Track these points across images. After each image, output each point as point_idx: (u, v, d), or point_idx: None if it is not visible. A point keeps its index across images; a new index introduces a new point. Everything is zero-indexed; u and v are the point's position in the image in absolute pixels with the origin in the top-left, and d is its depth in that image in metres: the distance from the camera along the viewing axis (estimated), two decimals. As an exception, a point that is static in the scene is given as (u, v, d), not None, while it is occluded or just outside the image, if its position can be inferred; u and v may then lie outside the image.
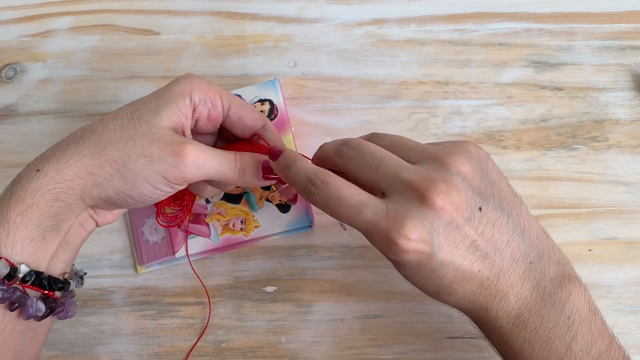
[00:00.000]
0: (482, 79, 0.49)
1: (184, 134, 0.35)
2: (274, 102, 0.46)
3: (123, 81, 0.49)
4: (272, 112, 0.46)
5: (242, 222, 0.44)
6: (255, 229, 0.44)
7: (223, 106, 0.36)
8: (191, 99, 0.34)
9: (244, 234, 0.44)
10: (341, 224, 0.45)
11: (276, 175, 0.35)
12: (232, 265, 0.44)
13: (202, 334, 0.43)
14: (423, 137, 0.46)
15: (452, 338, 0.42)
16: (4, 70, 0.50)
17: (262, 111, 0.46)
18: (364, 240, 0.45)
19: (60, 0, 0.52)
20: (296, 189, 0.34)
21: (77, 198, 0.32)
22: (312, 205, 0.44)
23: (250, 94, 0.46)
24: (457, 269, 0.30)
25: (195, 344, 0.42)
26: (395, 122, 0.48)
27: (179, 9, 0.52)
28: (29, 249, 0.31)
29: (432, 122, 0.48)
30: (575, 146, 0.47)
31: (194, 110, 0.35)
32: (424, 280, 0.31)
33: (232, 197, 0.44)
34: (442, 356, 0.42)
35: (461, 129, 0.48)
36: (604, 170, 0.46)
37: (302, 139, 0.47)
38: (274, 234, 0.44)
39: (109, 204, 0.34)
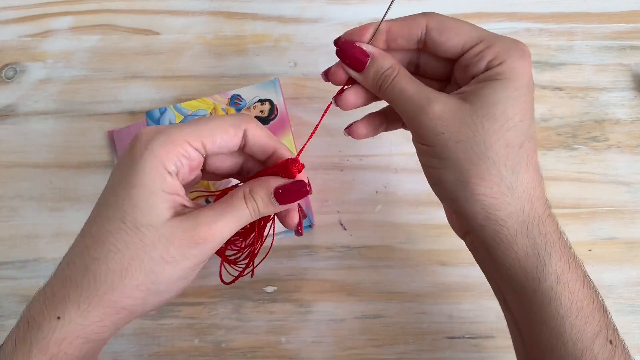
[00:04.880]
0: (482, 79, 0.49)
1: (185, 206, 0.31)
2: (274, 102, 0.46)
3: (123, 81, 0.49)
4: (272, 112, 0.46)
5: (242, 222, 0.44)
6: (255, 229, 0.44)
7: (198, 149, 0.31)
8: (169, 172, 0.29)
9: (244, 234, 0.44)
10: (341, 224, 0.45)
11: (290, 200, 0.32)
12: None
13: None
14: (423, 137, 0.46)
15: (452, 338, 0.42)
16: (4, 70, 0.50)
17: (262, 111, 0.46)
18: (364, 240, 0.45)
19: (60, 0, 0.52)
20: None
21: (110, 330, 0.30)
22: (311, 205, 0.44)
23: (250, 94, 0.46)
24: None
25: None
26: (395, 122, 0.48)
27: (179, 9, 0.52)
28: None
29: (432, 122, 0.48)
30: (576, 146, 0.47)
31: (178, 176, 0.31)
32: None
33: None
34: (442, 356, 0.42)
35: (461, 129, 0.48)
36: (604, 170, 0.46)
37: (302, 139, 0.46)
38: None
39: (141, 314, 0.31)
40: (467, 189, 0.30)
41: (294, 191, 0.32)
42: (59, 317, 0.28)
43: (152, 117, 0.46)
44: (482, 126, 0.30)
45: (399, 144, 0.47)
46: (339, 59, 0.34)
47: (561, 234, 0.32)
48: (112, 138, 0.47)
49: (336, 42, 0.34)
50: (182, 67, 0.50)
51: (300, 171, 0.32)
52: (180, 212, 0.30)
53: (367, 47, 0.33)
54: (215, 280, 0.44)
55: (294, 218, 0.34)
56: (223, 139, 0.31)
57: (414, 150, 0.33)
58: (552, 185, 0.46)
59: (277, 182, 0.32)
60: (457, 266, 0.43)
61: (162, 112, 0.46)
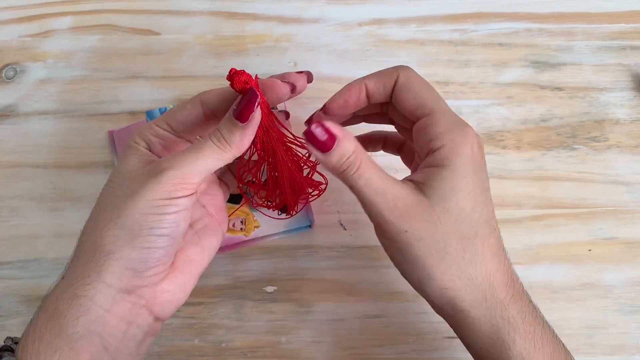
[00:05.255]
0: (482, 79, 0.49)
1: None
2: (274, 102, 0.46)
3: (123, 81, 0.49)
4: (272, 112, 0.46)
5: (242, 222, 0.44)
6: (255, 229, 0.44)
7: (163, 127, 0.34)
8: (139, 145, 0.33)
9: (244, 234, 0.44)
10: (341, 224, 0.45)
11: (246, 110, 0.31)
12: (232, 265, 0.44)
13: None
14: (423, 137, 0.46)
15: (452, 338, 0.42)
16: (4, 70, 0.50)
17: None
18: (364, 240, 0.45)
19: (60, 0, 0.52)
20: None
21: (97, 284, 0.29)
22: (311, 205, 0.44)
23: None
24: None
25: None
26: (395, 122, 0.48)
27: (179, 9, 0.52)
28: None
29: (432, 122, 0.48)
30: (575, 146, 0.47)
31: (152, 151, 0.34)
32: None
33: (233, 197, 0.44)
34: (442, 356, 0.42)
35: (461, 129, 0.48)
36: (604, 170, 0.46)
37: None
38: (274, 234, 0.44)
39: (136, 270, 0.30)
40: (432, 284, 0.32)
41: (245, 100, 0.31)
42: (62, 277, 0.30)
43: (152, 116, 0.46)
44: (440, 222, 0.31)
45: (399, 144, 0.47)
46: (306, 139, 0.32)
47: (527, 313, 0.32)
48: (112, 138, 0.47)
49: (308, 122, 0.35)
50: (182, 67, 0.50)
51: (247, 82, 0.32)
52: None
53: (334, 130, 0.31)
54: (215, 280, 0.44)
55: (279, 89, 0.33)
56: (182, 114, 0.34)
57: (413, 150, 0.34)
58: (552, 185, 0.46)
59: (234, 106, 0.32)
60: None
61: (162, 111, 0.46)
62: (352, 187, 0.32)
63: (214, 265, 0.44)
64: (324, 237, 0.45)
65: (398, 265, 0.33)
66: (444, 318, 0.34)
